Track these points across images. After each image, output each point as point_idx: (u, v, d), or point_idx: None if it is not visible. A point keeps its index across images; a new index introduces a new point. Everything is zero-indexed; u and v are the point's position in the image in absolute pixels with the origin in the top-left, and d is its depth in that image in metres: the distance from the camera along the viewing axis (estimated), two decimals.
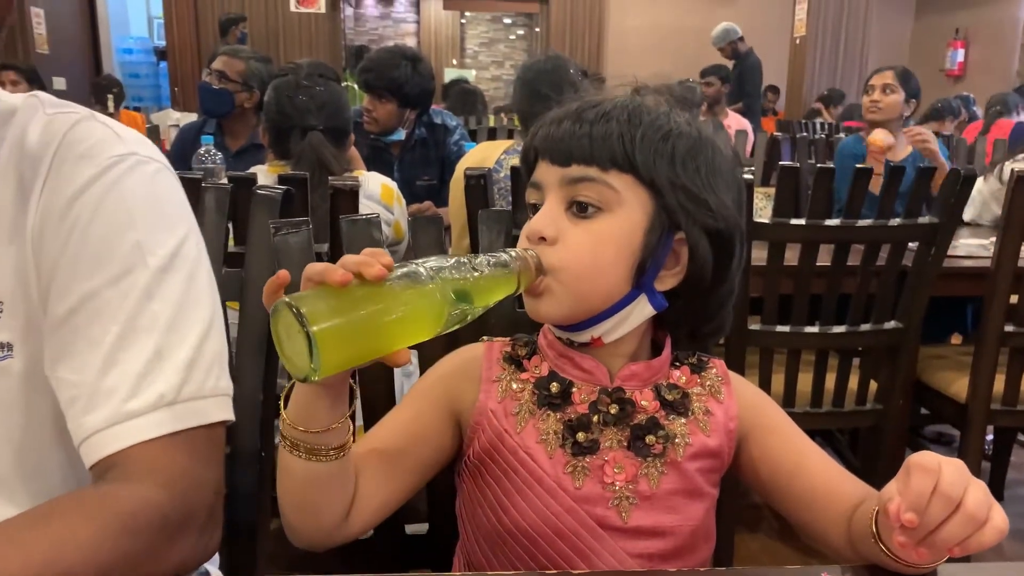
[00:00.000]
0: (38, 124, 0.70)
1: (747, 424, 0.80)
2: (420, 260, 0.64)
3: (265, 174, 1.72)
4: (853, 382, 1.91)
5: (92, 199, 0.68)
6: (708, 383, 0.80)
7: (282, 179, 1.35)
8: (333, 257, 1.28)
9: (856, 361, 1.95)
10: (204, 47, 8.20)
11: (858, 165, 1.82)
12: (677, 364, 0.81)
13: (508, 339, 0.84)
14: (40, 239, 0.68)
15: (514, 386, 0.79)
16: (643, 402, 0.77)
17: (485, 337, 0.85)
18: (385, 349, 0.61)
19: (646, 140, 0.73)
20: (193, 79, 7.80)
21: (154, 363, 0.67)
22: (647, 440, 0.75)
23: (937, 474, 0.58)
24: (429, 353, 1.00)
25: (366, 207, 1.59)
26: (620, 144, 0.73)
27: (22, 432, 0.70)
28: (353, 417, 0.67)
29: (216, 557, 0.89)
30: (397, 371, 1.40)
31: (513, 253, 0.70)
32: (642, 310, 0.76)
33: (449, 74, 8.23)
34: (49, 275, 0.68)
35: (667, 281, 0.76)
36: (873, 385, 1.94)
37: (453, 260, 0.65)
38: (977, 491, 0.58)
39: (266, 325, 1.01)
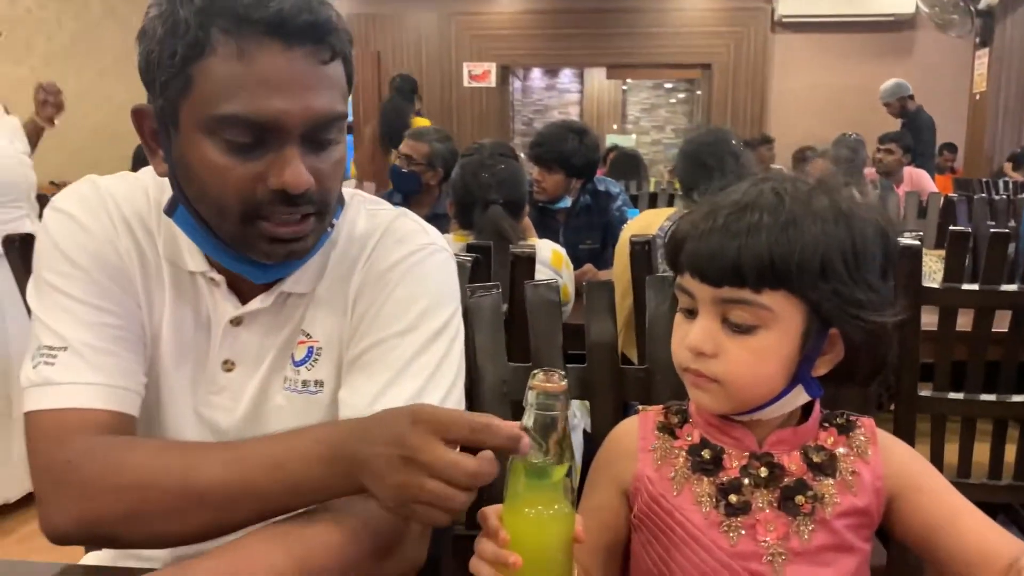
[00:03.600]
0: (363, 216, 0.93)
1: (896, 483, 0.82)
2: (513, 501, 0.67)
3: (451, 243, 1.92)
4: None
5: (401, 271, 0.88)
6: (855, 444, 0.83)
7: (470, 247, 1.52)
8: (512, 316, 1.42)
9: None
10: None
11: None
12: (825, 425, 0.84)
13: (661, 407, 0.91)
14: (359, 296, 0.89)
15: (669, 453, 0.85)
16: (791, 465, 0.81)
17: (640, 408, 0.93)
18: (569, 566, 0.68)
19: (797, 256, 0.74)
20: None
21: (414, 401, 0.83)
22: (796, 500, 0.79)
23: None
24: (600, 412, 1.11)
25: (540, 272, 1.74)
26: (770, 265, 0.74)
27: None
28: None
29: None
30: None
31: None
32: (799, 398, 0.81)
33: (609, 140, 8.43)
34: (358, 322, 0.88)
35: (823, 367, 0.80)
36: None
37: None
38: None
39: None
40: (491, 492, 0.69)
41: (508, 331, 1.12)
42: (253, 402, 0.89)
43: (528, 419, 0.66)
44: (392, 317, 0.86)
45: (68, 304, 0.82)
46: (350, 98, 0.88)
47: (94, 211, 0.87)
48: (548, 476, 0.66)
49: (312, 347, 0.89)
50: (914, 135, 4.68)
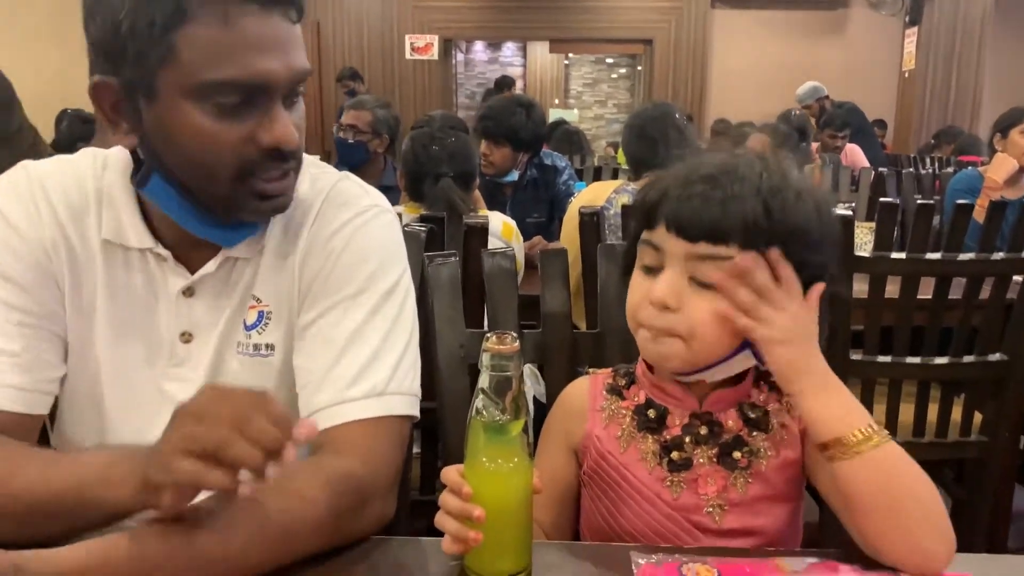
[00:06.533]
0: (306, 181, 0.93)
1: (804, 424, 0.85)
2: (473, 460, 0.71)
3: (404, 214, 1.94)
4: (957, 413, 1.92)
5: (346, 235, 0.90)
6: (785, 399, 0.88)
7: (423, 218, 1.55)
8: (466, 285, 1.45)
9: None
10: (326, 96, 8.74)
11: (962, 201, 1.87)
12: (759, 384, 0.90)
13: (609, 370, 0.95)
14: (305, 262, 0.90)
15: (616, 413, 0.90)
16: (729, 422, 0.87)
17: (590, 370, 0.98)
18: (529, 515, 0.74)
19: (774, 219, 0.78)
20: (315, 126, 8.33)
21: (371, 362, 0.86)
22: (734, 455, 0.85)
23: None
24: (554, 374, 1.16)
25: (491, 243, 1.77)
26: (753, 223, 0.78)
27: None
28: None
29: None
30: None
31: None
32: (745, 361, 0.85)
33: (552, 115, 8.46)
34: (306, 289, 0.90)
35: None
36: (978, 416, 1.95)
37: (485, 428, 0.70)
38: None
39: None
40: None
41: (462, 298, 1.16)
42: (211, 369, 0.91)
43: (484, 380, 0.70)
44: (342, 281, 0.89)
45: None
46: None
47: (23, 203, 0.87)
48: (506, 432, 0.70)
49: (262, 311, 0.91)
50: (851, 126, 4.84)
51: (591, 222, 1.69)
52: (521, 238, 2.14)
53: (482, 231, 1.53)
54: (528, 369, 1.66)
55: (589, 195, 2.27)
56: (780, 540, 0.87)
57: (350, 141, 2.81)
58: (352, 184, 0.96)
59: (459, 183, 1.98)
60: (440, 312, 1.11)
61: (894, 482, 0.73)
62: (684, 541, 0.85)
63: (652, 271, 0.84)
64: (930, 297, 1.83)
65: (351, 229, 0.91)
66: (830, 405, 0.76)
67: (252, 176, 0.82)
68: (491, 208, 2.31)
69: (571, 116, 8.33)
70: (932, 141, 6.32)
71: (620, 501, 0.88)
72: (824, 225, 0.82)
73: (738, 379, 0.89)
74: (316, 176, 0.94)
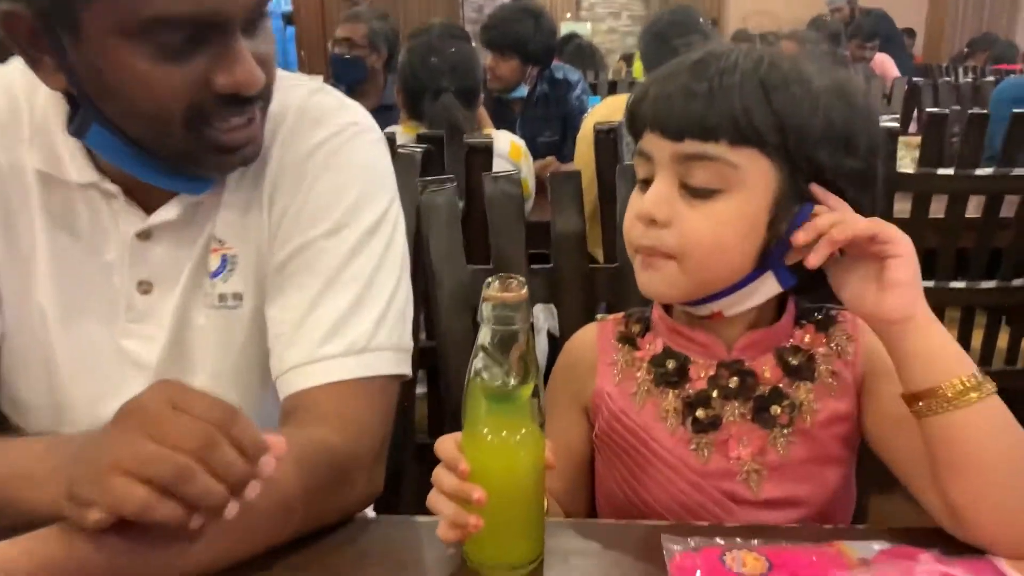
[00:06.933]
0: (276, 92, 0.76)
1: (863, 369, 0.74)
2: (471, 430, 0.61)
3: (401, 134, 1.79)
4: (1003, 340, 1.82)
5: (321, 158, 0.76)
6: (835, 342, 0.75)
7: (420, 138, 1.40)
8: (470, 214, 1.32)
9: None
10: (329, 12, 8.41)
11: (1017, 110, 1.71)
12: (801, 323, 0.76)
13: (621, 315, 0.83)
14: (275, 193, 0.76)
15: (630, 366, 0.78)
16: (765, 371, 0.73)
17: (599, 316, 0.85)
18: (540, 495, 0.63)
19: (776, 109, 0.66)
20: (319, 43, 8.04)
21: (351, 313, 0.73)
22: (771, 411, 0.73)
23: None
24: (569, 314, 1.03)
25: (497, 165, 1.63)
26: (745, 115, 0.66)
27: (237, 373, 0.79)
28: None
29: None
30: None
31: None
32: (768, 287, 0.71)
33: (564, 28, 8.11)
34: (278, 224, 0.76)
35: (802, 251, 0.69)
36: None
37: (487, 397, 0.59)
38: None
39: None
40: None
41: (465, 230, 1.03)
42: (176, 326, 0.78)
43: (484, 335, 0.58)
44: (316, 215, 0.75)
45: None
46: None
47: None
48: (512, 398, 0.59)
49: (226, 255, 0.77)
50: (880, 35, 4.56)
51: (607, 139, 1.54)
52: (531, 159, 1.98)
53: (486, 151, 1.38)
54: (541, 306, 1.53)
55: (604, 110, 2.10)
56: (829, 512, 0.75)
57: (345, 56, 2.62)
58: (327, 97, 0.81)
59: (461, 99, 1.81)
60: (437, 248, 0.97)
61: (994, 443, 0.61)
62: (715, 514, 0.73)
63: (646, 184, 0.71)
64: (979, 216, 1.70)
65: (327, 151, 0.76)
66: (934, 345, 0.63)
67: (208, 125, 0.67)
68: (499, 127, 2.15)
69: (584, 30, 7.98)
70: (966, 49, 6.00)
71: (638, 468, 0.76)
72: (857, 123, 0.69)
73: (775, 318, 0.75)
74: (285, 88, 0.78)
